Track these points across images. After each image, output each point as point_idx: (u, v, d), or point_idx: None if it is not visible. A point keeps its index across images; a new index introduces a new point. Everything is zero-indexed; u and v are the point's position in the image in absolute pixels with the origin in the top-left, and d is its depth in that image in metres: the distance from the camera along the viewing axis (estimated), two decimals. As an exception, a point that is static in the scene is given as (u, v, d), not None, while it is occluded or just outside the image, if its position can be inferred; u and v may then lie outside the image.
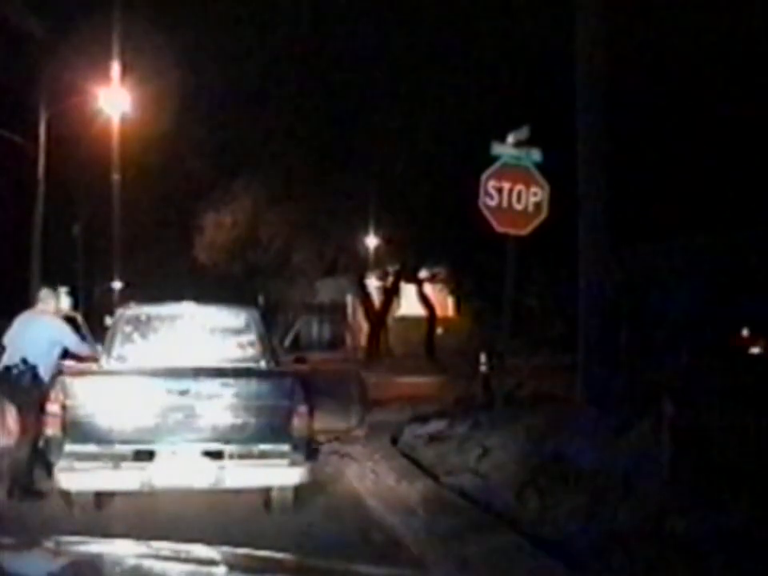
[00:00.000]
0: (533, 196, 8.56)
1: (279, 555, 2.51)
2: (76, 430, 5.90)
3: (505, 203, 8.48)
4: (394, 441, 9.02)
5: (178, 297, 8.36)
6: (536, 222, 8.58)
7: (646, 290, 8.42)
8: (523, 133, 8.59)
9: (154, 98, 22.41)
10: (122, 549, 2.52)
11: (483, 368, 10.80)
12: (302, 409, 5.97)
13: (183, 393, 6.03)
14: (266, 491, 6.18)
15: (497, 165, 8.56)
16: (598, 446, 6.55)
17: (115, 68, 23.22)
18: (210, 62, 20.75)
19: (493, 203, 8.45)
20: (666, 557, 4.64)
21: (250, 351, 7.12)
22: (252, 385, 6.23)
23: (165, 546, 2.54)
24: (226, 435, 5.97)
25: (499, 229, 8.52)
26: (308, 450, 6.14)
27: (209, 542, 2.47)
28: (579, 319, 8.90)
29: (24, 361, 6.74)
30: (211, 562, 2.29)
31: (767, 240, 9.38)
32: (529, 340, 13.18)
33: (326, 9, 19.29)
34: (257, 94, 21.48)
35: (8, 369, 6.83)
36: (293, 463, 5.89)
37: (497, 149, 8.60)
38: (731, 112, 13.42)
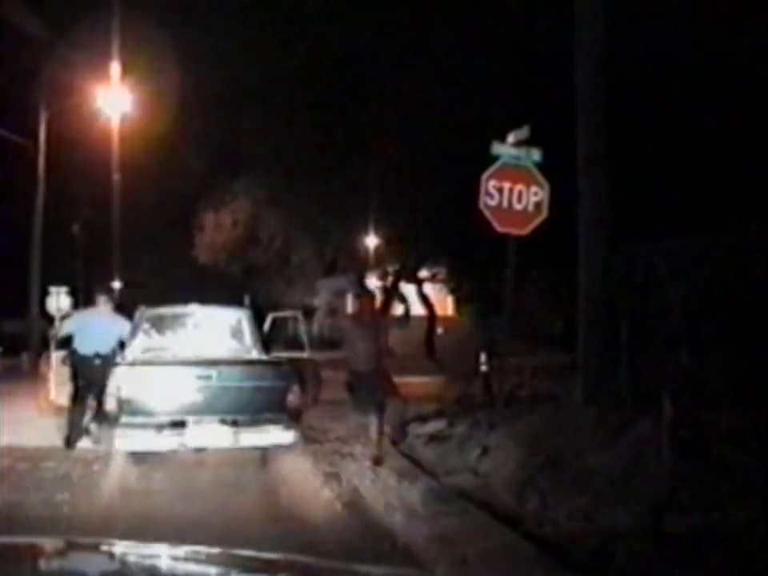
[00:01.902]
0: (533, 196, 8.55)
1: (279, 555, 2.51)
2: (128, 406, 7.61)
3: (505, 203, 8.47)
4: (394, 441, 9.02)
5: (183, 299, 9.98)
6: (536, 222, 8.58)
7: (646, 290, 8.41)
8: (523, 133, 8.59)
9: (153, 97, 22.42)
10: (122, 549, 2.51)
11: (483, 368, 10.80)
12: (295, 388, 7.86)
13: (207, 378, 7.80)
14: (263, 450, 7.94)
15: (497, 165, 8.56)
16: (598, 446, 6.54)
17: (115, 68, 23.22)
18: (210, 61, 20.74)
19: (493, 203, 8.45)
20: (665, 557, 4.64)
21: (243, 342, 9.36)
22: (258, 371, 8.23)
23: (165, 547, 2.54)
24: (239, 408, 7.73)
25: (500, 229, 8.51)
26: (299, 418, 8.04)
27: (209, 543, 2.47)
28: (579, 319, 8.89)
29: (103, 353, 8.92)
30: (211, 563, 2.29)
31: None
32: (529, 340, 13.18)
33: (326, 8, 19.27)
34: (256, 93, 21.47)
35: (99, 356, 8.94)
36: (288, 428, 7.71)
37: (497, 149, 8.60)
38: (734, 109, 13.41)
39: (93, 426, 9.13)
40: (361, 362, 8.10)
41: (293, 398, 7.79)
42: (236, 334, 9.49)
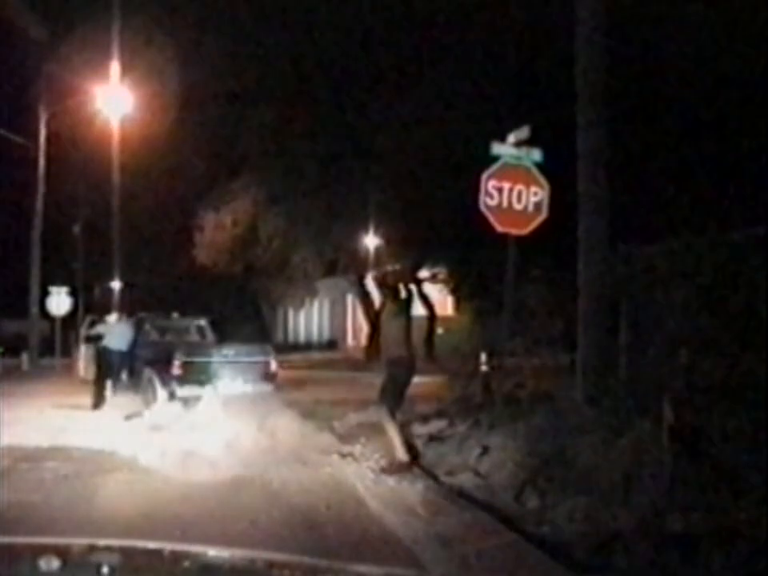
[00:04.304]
0: (533, 196, 8.55)
1: (279, 555, 2.51)
2: (188, 370, 12.37)
3: (505, 203, 8.47)
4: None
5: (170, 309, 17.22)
6: (536, 222, 8.58)
7: (646, 290, 8.40)
8: (523, 133, 8.59)
9: (154, 97, 22.42)
10: (120, 549, 2.51)
11: (483, 368, 10.78)
12: (273, 360, 13.28)
13: (227, 354, 12.89)
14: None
15: (497, 165, 8.55)
16: (597, 446, 6.54)
17: (115, 68, 23.22)
18: (210, 61, 20.74)
19: (493, 203, 8.45)
20: (665, 557, 4.64)
21: (207, 337, 15.42)
22: (254, 349, 13.71)
23: (165, 546, 2.54)
24: (245, 371, 12.66)
25: (500, 229, 8.51)
26: (275, 378, 13.12)
27: (209, 542, 2.47)
28: (579, 319, 8.89)
29: (124, 350, 13.72)
30: (211, 562, 2.29)
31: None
32: (529, 340, 13.14)
33: (326, 7, 19.27)
34: (256, 93, 21.48)
35: (121, 351, 13.63)
36: (270, 383, 12.98)
37: (497, 149, 8.60)
38: (735, 109, 13.41)
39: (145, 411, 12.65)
40: (393, 347, 7.60)
41: (273, 365, 13.12)
42: (200, 331, 15.67)
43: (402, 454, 7.34)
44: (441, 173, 18.03)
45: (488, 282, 15.74)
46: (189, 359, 12.58)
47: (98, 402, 13.20)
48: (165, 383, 12.47)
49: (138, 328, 14.36)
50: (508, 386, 9.71)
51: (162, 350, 13.35)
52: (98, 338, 14.07)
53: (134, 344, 13.85)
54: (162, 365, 12.69)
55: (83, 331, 16.76)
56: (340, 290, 31.89)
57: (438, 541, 5.29)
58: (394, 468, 7.28)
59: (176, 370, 12.38)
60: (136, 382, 13.43)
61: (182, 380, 12.26)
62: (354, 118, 19.93)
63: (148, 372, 13.01)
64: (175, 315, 16.69)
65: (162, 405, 12.21)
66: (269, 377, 12.91)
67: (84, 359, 15.40)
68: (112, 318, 15.55)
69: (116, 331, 14.15)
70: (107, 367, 13.64)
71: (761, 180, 12.16)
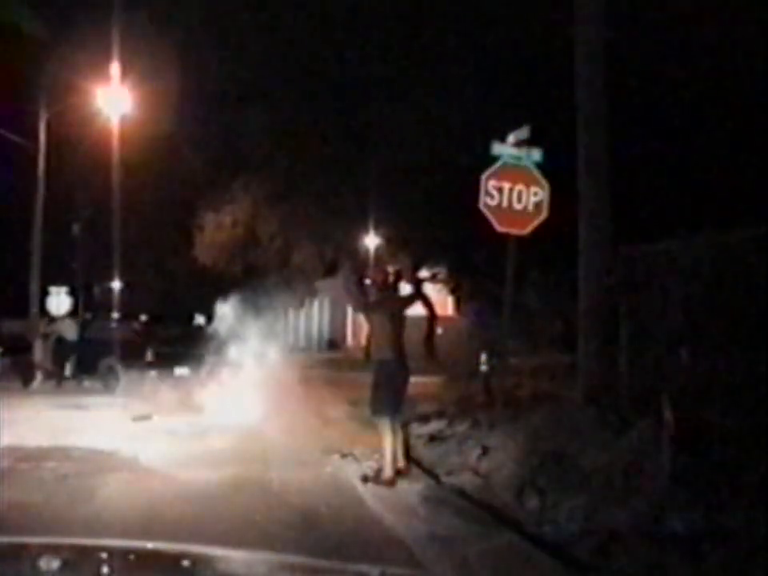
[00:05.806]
0: (533, 196, 8.55)
1: (279, 555, 2.51)
2: (157, 358, 16.56)
3: (505, 203, 8.47)
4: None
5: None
6: (536, 222, 8.57)
7: (646, 290, 8.39)
8: (523, 133, 8.58)
9: (154, 97, 22.40)
10: (120, 549, 2.52)
11: (483, 368, 10.79)
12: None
13: (180, 344, 16.99)
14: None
15: (497, 165, 8.55)
16: (598, 446, 6.54)
17: (115, 68, 23.18)
18: (210, 60, 20.73)
19: (493, 203, 8.45)
20: (665, 557, 4.64)
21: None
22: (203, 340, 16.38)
23: (164, 546, 2.55)
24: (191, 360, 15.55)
25: (499, 229, 8.51)
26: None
27: (209, 542, 2.47)
28: (579, 319, 8.88)
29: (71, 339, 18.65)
30: (211, 563, 2.29)
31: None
32: (529, 340, 13.16)
33: (326, 7, 19.26)
34: (256, 93, 21.47)
35: (71, 341, 18.30)
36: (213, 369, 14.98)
37: (497, 149, 8.59)
38: (735, 109, 13.40)
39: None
40: (386, 349, 7.29)
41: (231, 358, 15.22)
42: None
43: (388, 471, 7.12)
44: (441, 173, 18.02)
45: (488, 282, 15.74)
46: (158, 349, 16.44)
47: (59, 380, 17.60)
48: (130, 369, 15.75)
49: (86, 326, 19.11)
50: (508, 386, 9.71)
51: (125, 341, 16.86)
52: (53, 333, 19.14)
53: (83, 337, 18.18)
54: (125, 353, 16.21)
55: (41, 328, 21.23)
56: (340, 290, 31.82)
57: (438, 541, 5.29)
58: (376, 480, 7.12)
59: (149, 357, 16.19)
60: (92, 369, 16.91)
61: (151, 366, 15.86)
62: (354, 118, 19.92)
63: (109, 360, 16.37)
64: (115, 315, 22.67)
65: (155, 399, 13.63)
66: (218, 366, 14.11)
67: (40, 349, 19.28)
68: (66, 319, 21.25)
69: (67, 327, 19.33)
70: (63, 352, 18.19)
71: (761, 179, 12.16)
